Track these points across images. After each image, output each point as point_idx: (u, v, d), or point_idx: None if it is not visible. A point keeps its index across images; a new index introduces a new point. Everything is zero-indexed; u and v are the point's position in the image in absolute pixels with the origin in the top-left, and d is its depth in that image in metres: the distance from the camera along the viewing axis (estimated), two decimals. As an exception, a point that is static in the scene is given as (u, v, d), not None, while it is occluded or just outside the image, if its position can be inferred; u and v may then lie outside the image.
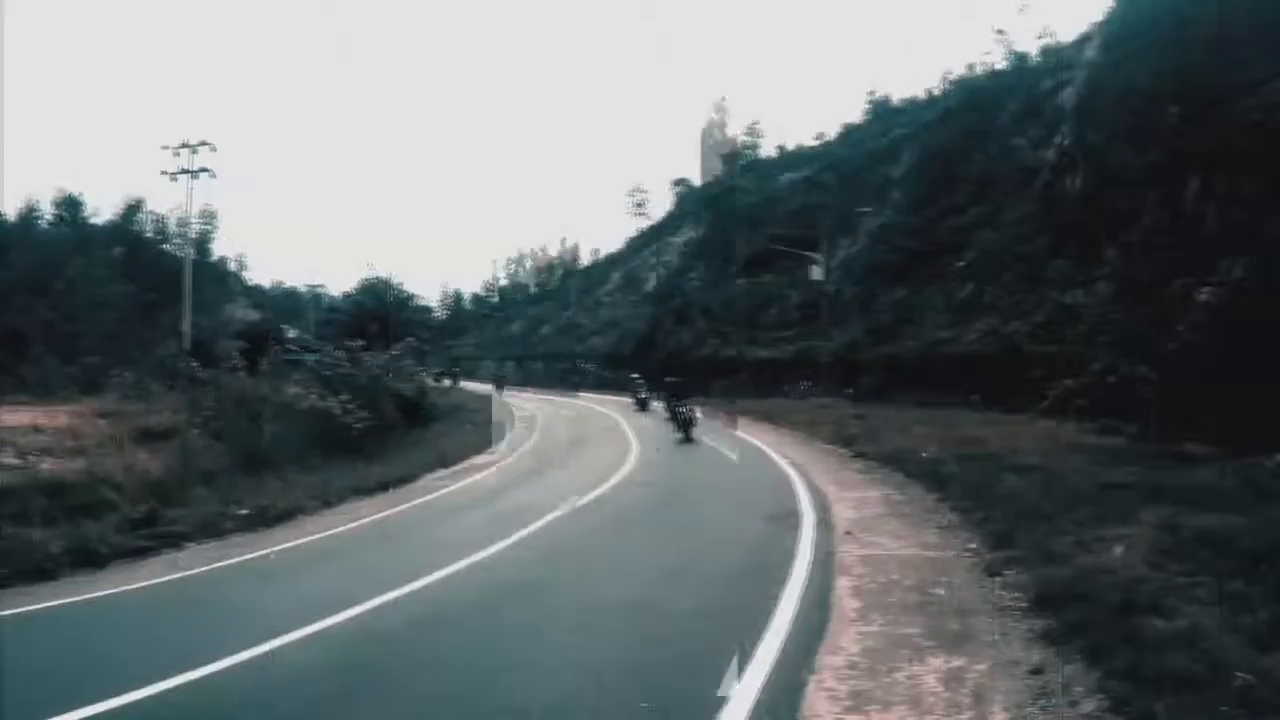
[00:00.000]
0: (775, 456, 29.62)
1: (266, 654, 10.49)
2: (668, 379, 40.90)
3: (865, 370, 54.50)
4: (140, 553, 17.73)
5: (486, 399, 64.83)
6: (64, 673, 10.09)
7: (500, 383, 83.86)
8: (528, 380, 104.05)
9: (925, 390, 46.05)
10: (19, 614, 13.35)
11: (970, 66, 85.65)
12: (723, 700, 8.23)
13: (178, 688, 9.36)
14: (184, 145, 58.76)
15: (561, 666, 9.58)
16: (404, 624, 11.73)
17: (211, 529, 19.91)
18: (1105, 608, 9.66)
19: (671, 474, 24.71)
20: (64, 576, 15.88)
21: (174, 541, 18.71)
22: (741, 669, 9.05)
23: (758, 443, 34.31)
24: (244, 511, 21.30)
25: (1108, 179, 40.68)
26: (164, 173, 59.59)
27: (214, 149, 60.20)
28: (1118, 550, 12.10)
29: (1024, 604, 10.80)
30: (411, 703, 8.71)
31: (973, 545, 14.49)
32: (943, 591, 11.81)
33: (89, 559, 16.79)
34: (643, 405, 54.21)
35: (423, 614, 12.26)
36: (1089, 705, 7.59)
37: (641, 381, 56.78)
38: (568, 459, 32.47)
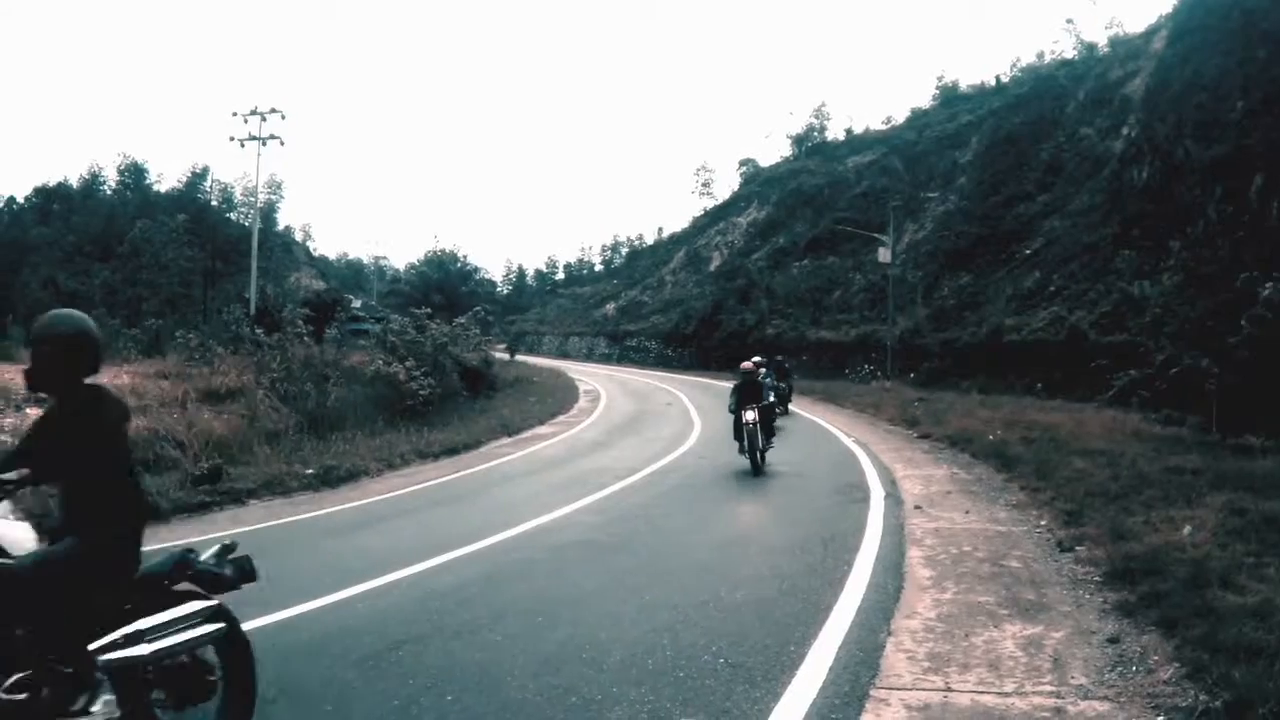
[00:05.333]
0: (840, 435, 29.70)
1: (337, 603, 10.69)
2: (750, 365, 25.23)
3: (928, 355, 54.28)
4: (203, 508, 18.03)
5: (546, 371, 65.06)
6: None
7: (512, 350, 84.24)
8: (590, 355, 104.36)
9: (988, 377, 45.87)
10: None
11: (1039, 55, 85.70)
12: (800, 658, 8.25)
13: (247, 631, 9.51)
14: (253, 112, 59.43)
15: (632, 623, 9.61)
16: (471, 579, 11.83)
17: (276, 487, 20.18)
18: (1177, 582, 9.66)
19: (737, 448, 24.62)
20: (123, 529, 16.05)
21: (238, 498, 19.00)
22: (818, 630, 9.11)
23: (822, 422, 34.29)
24: (309, 471, 21.52)
25: (1174, 171, 40.44)
26: (232, 139, 60.35)
27: (284, 116, 60.76)
28: (1186, 530, 12.07)
29: (1097, 578, 10.78)
30: (481, 651, 8.76)
31: (1043, 522, 14.45)
32: (1016, 564, 11.78)
33: (150, 513, 16.94)
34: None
35: (490, 570, 12.38)
36: (1166, 673, 7.56)
37: (770, 369, 33.82)
38: (631, 431, 32.60)
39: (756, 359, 32.94)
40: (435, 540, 14.19)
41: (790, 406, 37.38)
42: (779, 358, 39.89)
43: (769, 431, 23.28)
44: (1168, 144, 42.14)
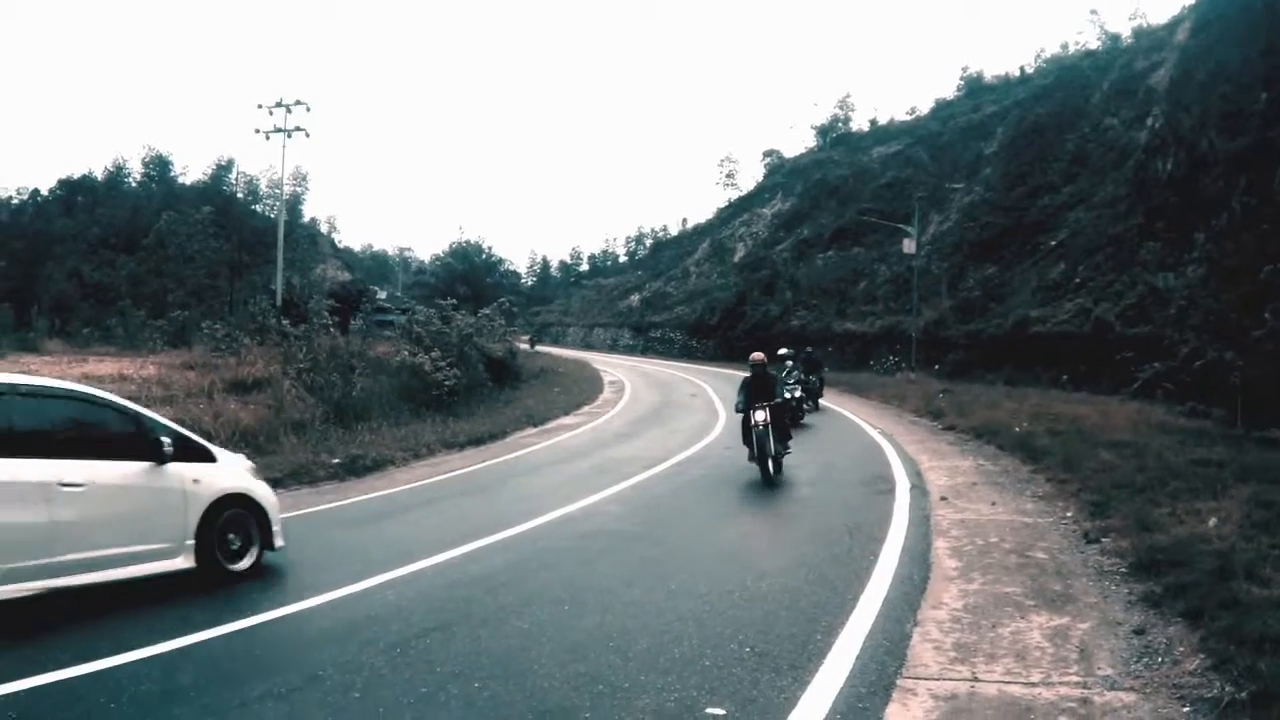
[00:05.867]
0: (865, 427, 29.69)
1: (364, 591, 10.79)
2: (760, 355, 20.81)
3: (953, 347, 54.14)
4: (229, 498, 18.02)
5: (570, 362, 65.10)
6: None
7: (533, 341, 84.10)
8: (614, 346, 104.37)
9: (1013, 369, 45.72)
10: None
11: (1064, 45, 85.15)
12: (826, 648, 8.29)
13: (272, 621, 9.71)
14: (279, 104, 59.64)
15: (658, 611, 9.67)
16: (498, 568, 11.92)
17: (303, 476, 20.28)
18: (1203, 574, 9.68)
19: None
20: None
21: (264, 488, 18.98)
22: (845, 619, 9.15)
23: (847, 413, 34.22)
24: (335, 461, 21.59)
25: (1198, 162, 40.24)
26: (258, 131, 60.52)
27: (309, 109, 61.19)
28: (1212, 522, 12.07)
29: (1123, 569, 10.83)
30: (508, 639, 8.85)
31: (1069, 513, 14.48)
32: (1042, 555, 11.83)
33: None
34: (794, 411, 28.29)
35: (516, 559, 12.46)
36: (1191, 664, 7.61)
37: (796, 363, 33.09)
38: (656, 423, 32.69)
39: (782, 350, 31.91)
40: (462, 529, 14.29)
41: (819, 400, 36.07)
42: (809, 349, 38.74)
43: (784, 434, 20.06)
44: (1192, 135, 41.87)
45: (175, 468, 11.20)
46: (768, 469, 18.83)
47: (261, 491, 12.39)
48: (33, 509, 9.78)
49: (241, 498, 11.96)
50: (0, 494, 9.59)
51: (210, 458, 11.94)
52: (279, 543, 12.21)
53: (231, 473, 12.22)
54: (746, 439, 19.49)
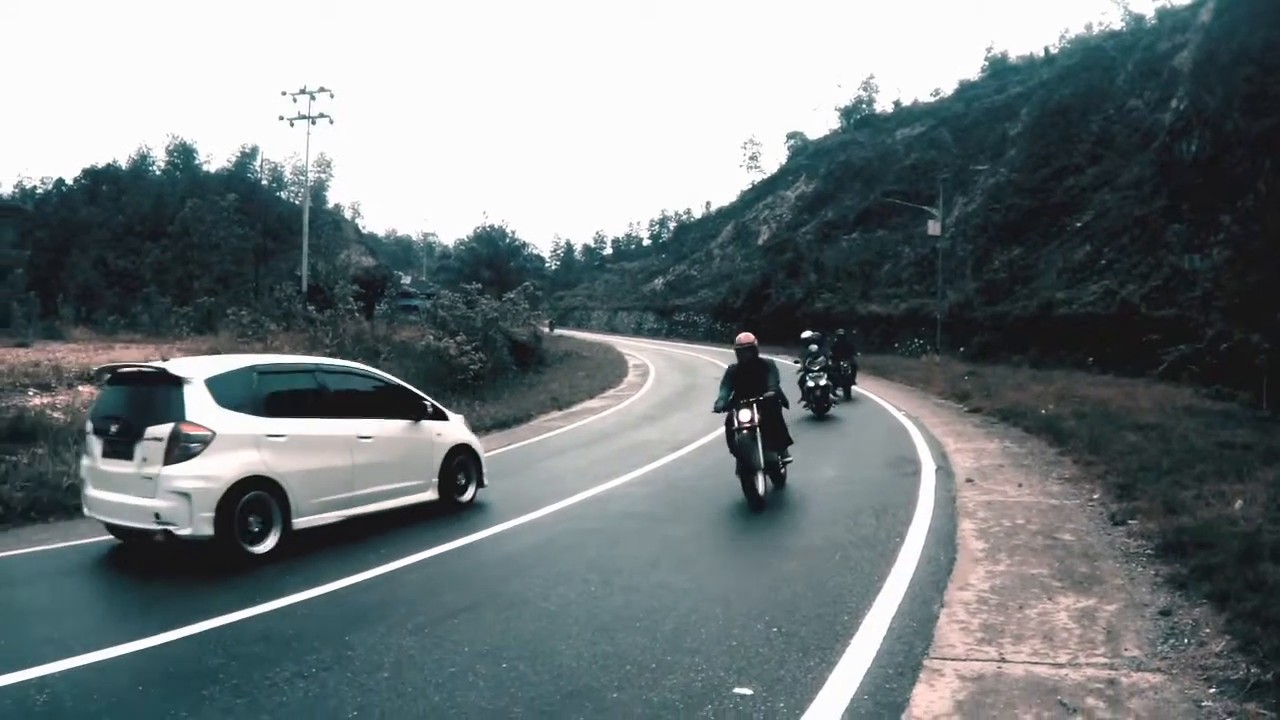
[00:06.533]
0: (891, 409, 29.64)
1: (392, 572, 10.91)
2: (747, 337, 16.61)
3: (978, 329, 53.99)
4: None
5: (594, 346, 65.09)
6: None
7: (551, 325, 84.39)
8: (638, 330, 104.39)
9: (1039, 351, 45.62)
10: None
11: (1088, 25, 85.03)
12: (853, 628, 8.31)
13: (302, 602, 9.73)
14: (302, 91, 59.82)
15: (685, 592, 9.72)
16: (525, 549, 12.04)
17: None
18: (1229, 556, 9.66)
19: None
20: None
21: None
22: (871, 600, 9.16)
23: (873, 396, 34.13)
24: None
25: (1223, 144, 40.05)
26: (281, 118, 60.76)
27: (332, 95, 61.39)
28: (1238, 504, 12.03)
29: (1149, 551, 10.82)
30: (536, 620, 8.90)
31: (1096, 495, 14.45)
32: (1069, 537, 11.81)
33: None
34: (819, 400, 27.57)
35: (543, 540, 12.58)
36: (1217, 645, 7.59)
37: (823, 347, 29.93)
38: (681, 406, 32.81)
39: (806, 334, 30.01)
40: (488, 511, 14.59)
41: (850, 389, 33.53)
42: (840, 332, 36.01)
43: (781, 439, 15.79)
44: (1217, 117, 41.67)
45: (427, 424, 14.89)
46: (754, 488, 14.42)
47: (476, 443, 16.07)
48: (341, 455, 13.08)
49: (465, 447, 15.62)
50: (322, 444, 12.85)
51: (445, 417, 15.57)
52: (486, 483, 15.91)
53: (459, 428, 15.89)
54: (732, 446, 15.16)
